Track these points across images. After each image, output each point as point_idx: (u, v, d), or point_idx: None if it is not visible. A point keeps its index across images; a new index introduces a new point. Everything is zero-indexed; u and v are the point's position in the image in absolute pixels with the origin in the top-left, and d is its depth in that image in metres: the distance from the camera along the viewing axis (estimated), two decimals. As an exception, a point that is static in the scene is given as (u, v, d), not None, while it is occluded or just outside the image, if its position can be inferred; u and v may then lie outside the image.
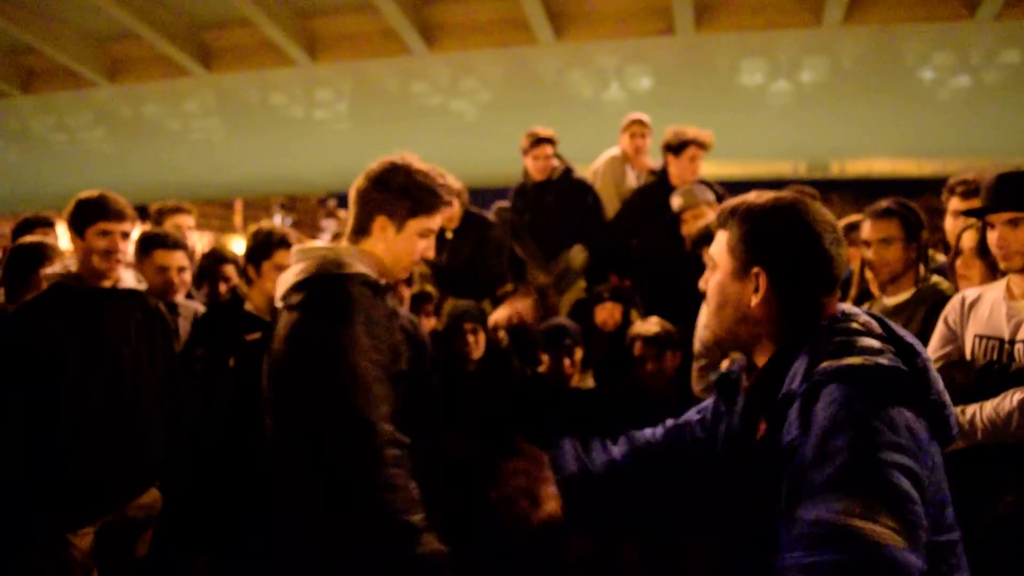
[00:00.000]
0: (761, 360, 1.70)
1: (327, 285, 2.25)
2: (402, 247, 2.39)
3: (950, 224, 3.64)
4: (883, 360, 1.50)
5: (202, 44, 12.85)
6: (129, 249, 3.31)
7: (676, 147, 5.08)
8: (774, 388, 1.60)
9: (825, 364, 1.51)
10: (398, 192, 2.35)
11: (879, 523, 1.30)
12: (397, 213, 2.36)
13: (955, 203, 3.62)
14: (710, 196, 4.77)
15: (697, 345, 3.94)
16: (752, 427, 1.69)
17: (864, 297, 3.62)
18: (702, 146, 5.06)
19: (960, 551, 1.56)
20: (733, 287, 1.69)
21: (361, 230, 2.39)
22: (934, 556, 1.44)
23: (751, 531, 1.61)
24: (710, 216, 4.62)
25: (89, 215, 3.16)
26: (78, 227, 3.16)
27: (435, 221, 2.42)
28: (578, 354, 4.18)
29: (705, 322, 1.84)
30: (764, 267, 1.65)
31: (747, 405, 1.75)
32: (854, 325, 1.61)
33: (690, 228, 4.57)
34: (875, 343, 1.56)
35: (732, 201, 1.75)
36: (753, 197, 1.73)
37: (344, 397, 2.08)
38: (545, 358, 4.19)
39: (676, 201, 4.78)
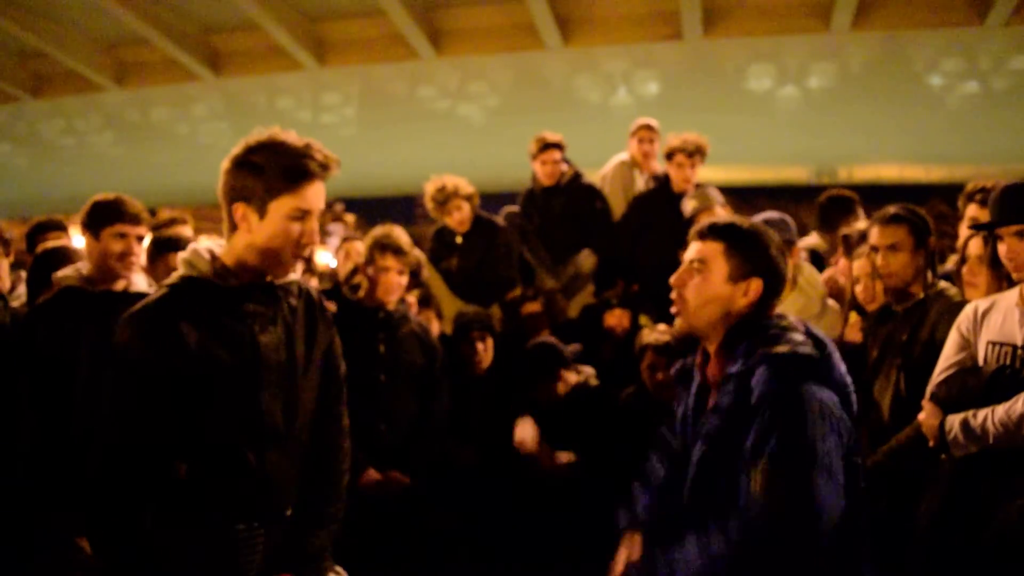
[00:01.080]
0: (711, 347, 2.17)
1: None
2: (270, 234, 2.08)
3: (965, 231, 3.65)
4: (803, 349, 2.01)
5: (210, 48, 12.87)
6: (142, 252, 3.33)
7: (668, 153, 5.19)
8: (723, 368, 2.10)
9: (760, 350, 2.01)
10: (251, 172, 2.06)
11: (806, 480, 1.84)
12: (255, 197, 2.06)
13: (972, 210, 3.62)
14: (722, 198, 4.80)
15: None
16: (704, 400, 2.21)
17: (856, 306, 3.63)
18: (690, 154, 5.10)
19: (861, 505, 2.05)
20: (724, 288, 2.12)
21: (231, 225, 2.11)
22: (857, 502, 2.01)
23: (705, 481, 2.09)
24: (724, 218, 4.63)
25: (106, 217, 3.17)
26: (94, 229, 3.17)
27: (305, 199, 2.09)
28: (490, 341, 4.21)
29: (682, 312, 2.19)
30: (761, 276, 2.12)
31: (700, 384, 2.24)
32: (785, 323, 2.11)
33: None
34: (800, 337, 2.06)
35: (717, 220, 2.20)
36: (738, 219, 2.22)
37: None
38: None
39: (690, 204, 4.80)
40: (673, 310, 2.19)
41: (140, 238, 3.26)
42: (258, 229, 2.07)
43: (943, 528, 2.76)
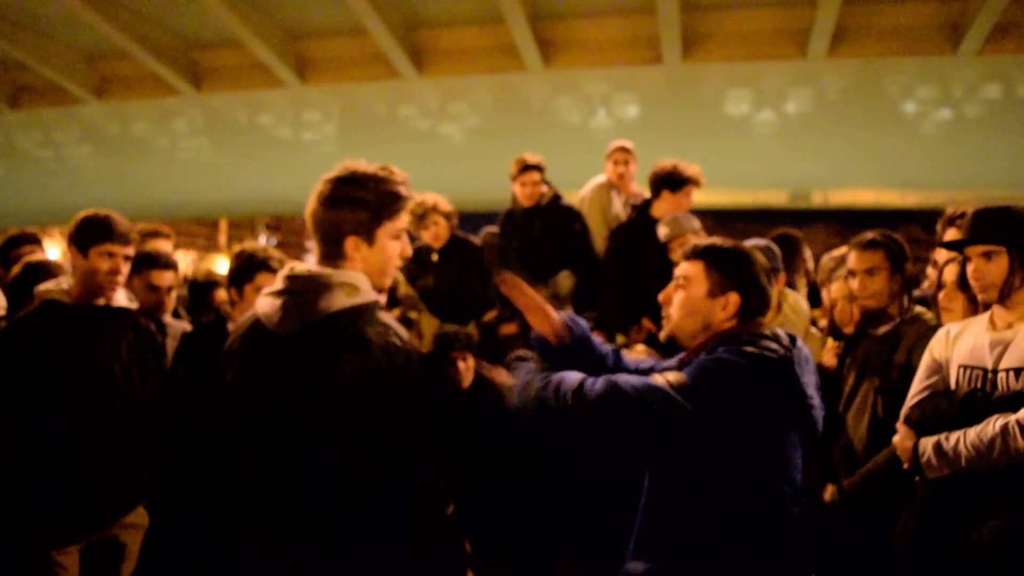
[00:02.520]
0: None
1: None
2: (380, 259, 2.26)
3: (943, 256, 3.70)
4: (770, 353, 2.16)
5: (192, 64, 12.85)
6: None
7: (674, 183, 5.10)
8: None
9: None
10: (357, 206, 2.21)
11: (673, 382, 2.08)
12: (363, 228, 2.21)
13: (952, 234, 3.68)
14: (696, 225, 4.82)
15: None
16: None
17: (834, 331, 3.67)
18: (698, 184, 5.12)
19: (792, 504, 2.19)
20: (705, 303, 2.32)
21: (333, 255, 2.24)
22: (772, 496, 2.16)
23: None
24: (707, 240, 4.67)
25: (95, 235, 3.16)
26: (82, 246, 3.17)
27: (403, 220, 2.31)
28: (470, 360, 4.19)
29: (667, 324, 2.41)
30: (738, 291, 2.30)
31: None
32: (767, 331, 2.26)
33: (677, 256, 4.60)
34: (775, 345, 2.20)
35: (700, 242, 2.45)
36: (719, 241, 2.43)
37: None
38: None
39: (663, 231, 4.83)
40: (664, 324, 2.42)
41: (127, 257, 3.25)
42: (370, 256, 2.23)
43: (919, 550, 2.79)
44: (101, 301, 3.24)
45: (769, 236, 4.79)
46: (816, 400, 2.25)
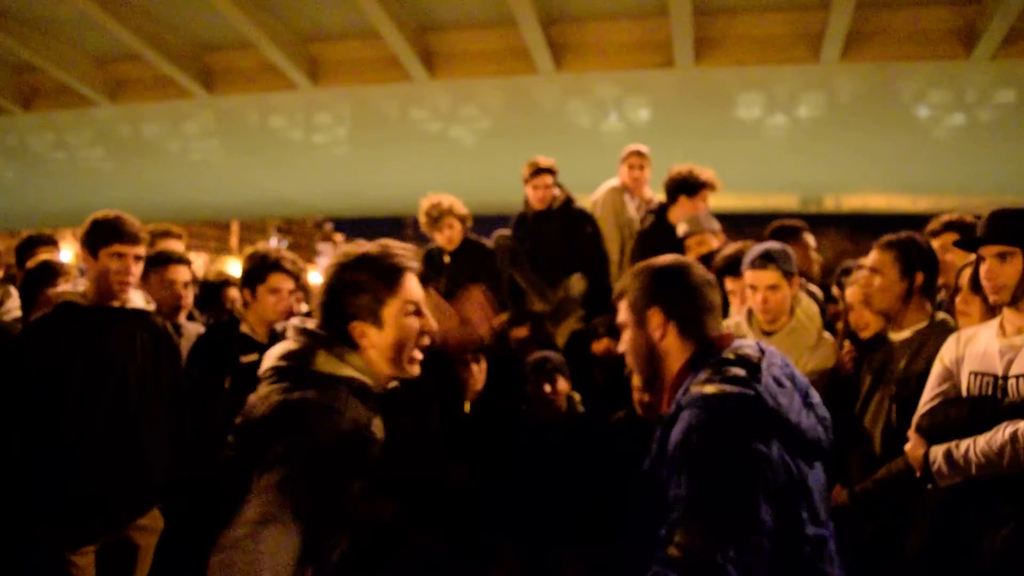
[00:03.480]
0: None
1: None
2: (393, 339, 2.08)
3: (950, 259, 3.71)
4: (731, 389, 1.87)
5: (204, 66, 12.92)
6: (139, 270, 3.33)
7: (691, 188, 5.08)
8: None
9: (691, 391, 1.93)
10: (352, 291, 2.06)
11: (713, 552, 1.70)
12: (366, 311, 2.06)
13: (945, 239, 3.71)
14: (715, 226, 4.82)
15: None
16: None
17: (850, 336, 3.65)
18: (714, 188, 5.12)
19: (830, 545, 1.95)
20: (640, 336, 2.11)
21: (342, 340, 2.07)
22: (805, 547, 1.87)
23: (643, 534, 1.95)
24: (713, 244, 4.67)
25: (105, 237, 3.17)
26: (92, 248, 3.17)
27: (413, 292, 2.13)
28: (561, 383, 4.15)
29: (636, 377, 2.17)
30: (658, 305, 2.08)
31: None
32: (731, 356, 1.98)
33: (694, 254, 4.59)
34: (740, 371, 1.92)
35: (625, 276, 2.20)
36: (641, 264, 2.19)
37: None
38: (529, 388, 4.18)
39: (681, 227, 4.84)
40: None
41: (138, 257, 3.25)
42: (380, 339, 2.07)
43: (932, 557, 2.78)
44: (116, 303, 3.24)
45: (768, 230, 4.75)
46: (799, 415, 1.96)
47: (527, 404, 4.22)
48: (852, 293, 3.55)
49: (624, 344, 2.18)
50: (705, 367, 1.98)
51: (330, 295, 2.08)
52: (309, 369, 2.00)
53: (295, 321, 2.12)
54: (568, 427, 4.13)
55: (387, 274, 2.09)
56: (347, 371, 2.04)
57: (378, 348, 2.08)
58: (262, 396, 1.96)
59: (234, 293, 4.61)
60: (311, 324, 2.09)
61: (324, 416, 1.89)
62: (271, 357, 2.06)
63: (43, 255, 4.04)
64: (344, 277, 2.07)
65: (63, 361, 3.06)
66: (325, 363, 2.02)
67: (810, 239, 4.76)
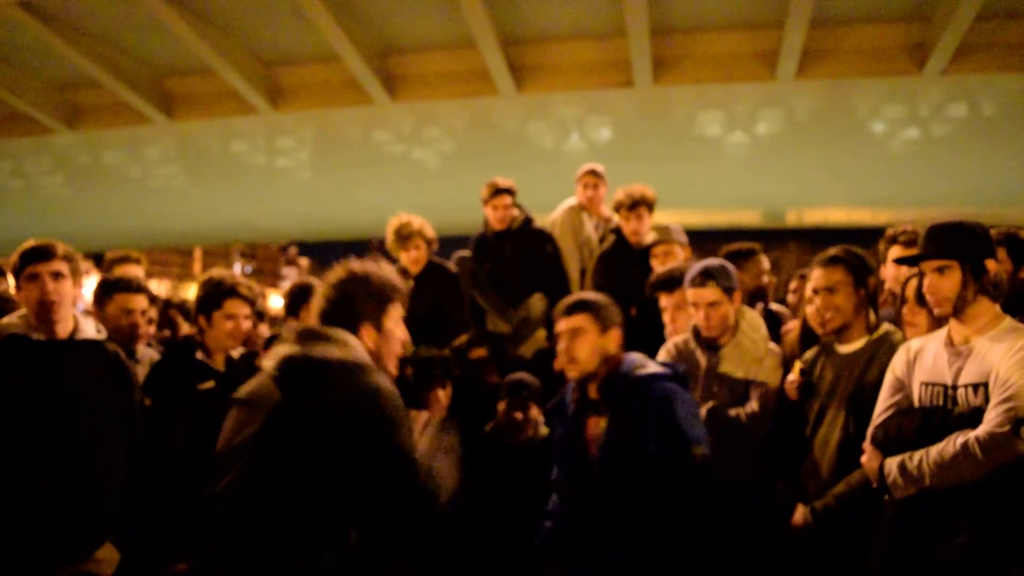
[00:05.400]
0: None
1: None
2: (388, 342, 2.51)
3: (891, 272, 3.77)
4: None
5: (164, 92, 12.83)
6: (80, 293, 3.26)
7: (615, 208, 5.27)
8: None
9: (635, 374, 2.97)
10: (369, 296, 2.47)
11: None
12: (373, 315, 2.46)
13: (895, 251, 3.76)
14: (683, 238, 4.88)
15: None
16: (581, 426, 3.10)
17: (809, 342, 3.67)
18: (631, 207, 5.18)
19: None
20: (599, 341, 3.01)
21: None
22: None
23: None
24: (679, 256, 4.72)
25: (21, 263, 3.10)
26: (16, 277, 3.11)
27: (401, 307, 2.56)
28: (533, 410, 4.15)
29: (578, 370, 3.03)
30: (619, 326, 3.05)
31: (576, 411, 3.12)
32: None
33: (661, 263, 4.63)
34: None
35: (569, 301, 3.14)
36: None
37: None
38: (501, 407, 4.16)
39: (650, 236, 4.90)
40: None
41: (56, 274, 3.09)
42: (378, 342, 2.47)
43: (892, 567, 2.80)
44: (65, 333, 3.17)
45: (721, 253, 4.76)
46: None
47: (493, 423, 4.21)
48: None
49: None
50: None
51: (345, 298, 2.45)
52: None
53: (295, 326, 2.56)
54: (534, 450, 4.11)
55: (392, 289, 2.52)
56: (361, 356, 2.36)
57: (374, 350, 2.44)
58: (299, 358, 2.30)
59: (174, 313, 4.54)
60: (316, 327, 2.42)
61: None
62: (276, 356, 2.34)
63: (-3, 285, 3.96)
64: (360, 285, 2.46)
65: (11, 395, 3.00)
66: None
67: (764, 261, 4.79)
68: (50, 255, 3.10)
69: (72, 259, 3.17)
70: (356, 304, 2.44)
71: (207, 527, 2.23)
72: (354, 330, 2.41)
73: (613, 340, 3.02)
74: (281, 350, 2.34)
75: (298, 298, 4.30)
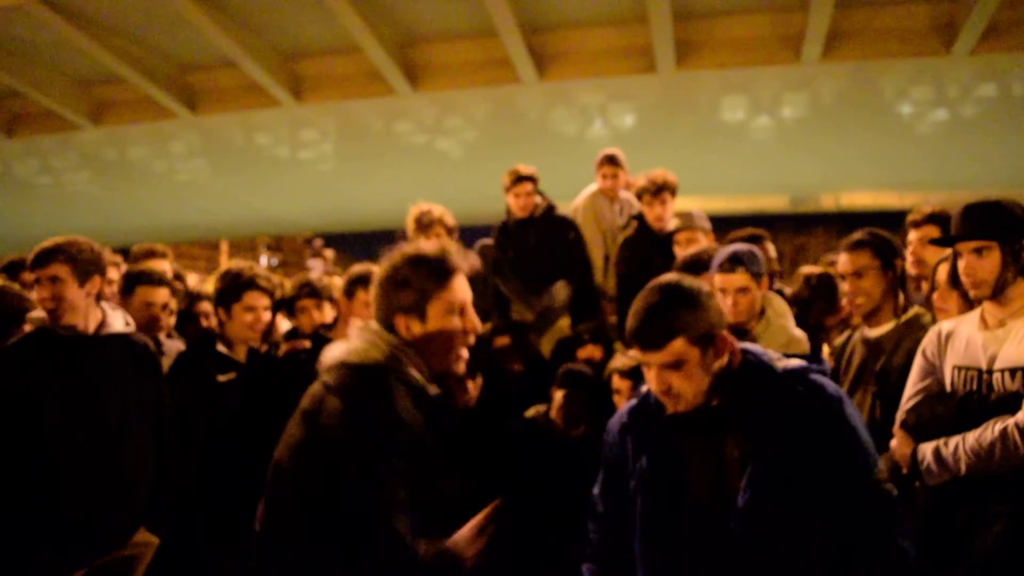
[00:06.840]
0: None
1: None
2: (437, 334, 2.16)
3: (911, 257, 3.64)
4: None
5: (187, 86, 12.91)
6: (101, 289, 3.27)
7: (637, 195, 5.20)
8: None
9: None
10: (400, 286, 2.14)
11: None
12: (413, 306, 2.15)
13: (915, 235, 3.65)
14: (707, 225, 4.81)
15: None
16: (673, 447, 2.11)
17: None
18: (654, 192, 5.12)
19: None
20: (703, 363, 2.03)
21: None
22: None
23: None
24: (702, 242, 4.65)
25: (29, 267, 3.15)
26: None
27: (461, 293, 2.19)
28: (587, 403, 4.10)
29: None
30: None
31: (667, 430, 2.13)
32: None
33: (683, 250, 4.58)
34: None
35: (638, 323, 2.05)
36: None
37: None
38: (558, 397, 4.09)
39: (673, 222, 4.85)
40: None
41: (53, 278, 3.11)
42: (423, 334, 2.15)
43: (922, 556, 2.75)
44: (90, 327, 3.19)
45: (726, 241, 4.68)
46: None
47: (543, 414, 4.15)
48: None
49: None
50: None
51: (379, 289, 2.18)
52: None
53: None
54: (582, 447, 4.03)
55: (436, 272, 2.16)
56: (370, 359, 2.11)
57: (421, 342, 2.15)
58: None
59: (205, 307, 4.56)
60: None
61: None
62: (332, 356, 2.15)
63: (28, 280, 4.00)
64: (392, 273, 2.17)
65: (38, 388, 3.03)
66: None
67: (770, 248, 4.74)
68: (44, 261, 3.11)
69: (76, 259, 3.15)
70: (391, 295, 2.15)
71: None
72: (388, 325, 2.15)
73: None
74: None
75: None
